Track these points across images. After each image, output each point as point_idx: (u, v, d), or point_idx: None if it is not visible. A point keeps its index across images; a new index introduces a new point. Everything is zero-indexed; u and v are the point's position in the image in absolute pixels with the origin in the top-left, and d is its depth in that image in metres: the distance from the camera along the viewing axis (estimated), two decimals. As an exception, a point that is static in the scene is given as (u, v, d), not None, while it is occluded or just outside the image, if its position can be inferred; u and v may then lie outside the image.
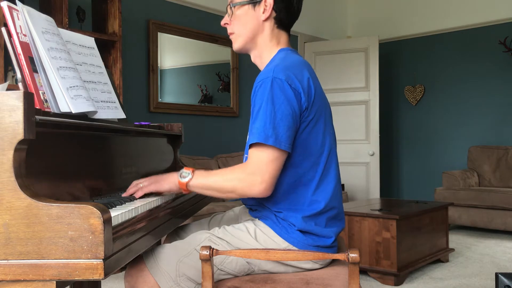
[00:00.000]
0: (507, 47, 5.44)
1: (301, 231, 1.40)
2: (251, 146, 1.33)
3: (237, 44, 1.55)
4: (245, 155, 1.51)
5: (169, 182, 1.40)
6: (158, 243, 1.64)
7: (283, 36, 1.54)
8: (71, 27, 3.42)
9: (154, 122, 2.40)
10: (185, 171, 1.38)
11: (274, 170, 1.31)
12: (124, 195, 1.40)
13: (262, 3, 1.48)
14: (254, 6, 1.49)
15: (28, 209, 0.89)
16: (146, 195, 1.43)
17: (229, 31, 1.56)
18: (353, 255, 1.19)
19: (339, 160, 1.62)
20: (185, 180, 1.37)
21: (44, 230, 0.89)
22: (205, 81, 4.88)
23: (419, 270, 3.47)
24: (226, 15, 1.56)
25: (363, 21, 6.55)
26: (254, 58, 1.57)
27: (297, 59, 1.46)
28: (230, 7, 1.53)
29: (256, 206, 1.50)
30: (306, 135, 1.39)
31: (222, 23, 1.58)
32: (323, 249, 1.42)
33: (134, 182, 1.44)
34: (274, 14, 1.50)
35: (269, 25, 1.51)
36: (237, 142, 5.08)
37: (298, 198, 1.41)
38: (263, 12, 1.49)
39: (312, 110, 1.39)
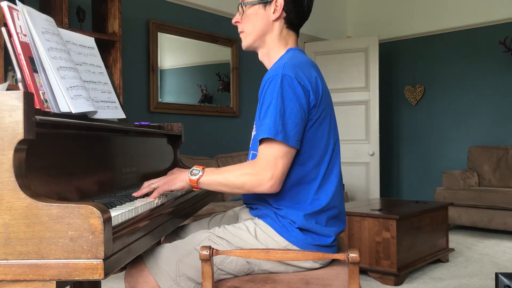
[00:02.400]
0: (507, 47, 5.43)
1: (301, 229, 1.40)
2: (261, 142, 1.34)
3: (246, 42, 1.57)
4: (251, 152, 1.53)
5: (181, 180, 1.41)
6: (158, 243, 1.64)
7: (292, 37, 1.56)
8: (71, 27, 3.42)
9: (154, 122, 2.40)
10: (196, 169, 1.40)
11: (283, 166, 1.33)
12: (135, 194, 1.40)
13: (273, 3, 1.50)
14: (265, 6, 1.51)
15: (28, 209, 0.89)
16: (146, 194, 1.43)
17: (239, 29, 1.57)
18: (353, 255, 1.19)
19: (339, 160, 1.62)
20: (195, 178, 1.38)
21: (44, 230, 0.89)
22: (205, 81, 4.88)
23: (419, 270, 3.47)
24: (238, 13, 1.57)
25: (363, 21, 6.55)
26: (262, 56, 1.59)
27: (305, 59, 1.48)
28: (242, 6, 1.54)
29: (256, 204, 1.50)
30: (313, 133, 1.41)
31: (233, 21, 1.59)
32: (323, 248, 1.42)
33: (146, 183, 1.44)
34: (284, 14, 1.51)
35: (278, 25, 1.52)
36: (237, 142, 5.08)
37: (300, 196, 1.42)
38: (274, 12, 1.50)
39: (319, 108, 1.41)
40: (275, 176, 1.31)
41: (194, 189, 1.43)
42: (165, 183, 1.42)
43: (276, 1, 1.49)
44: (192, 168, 1.41)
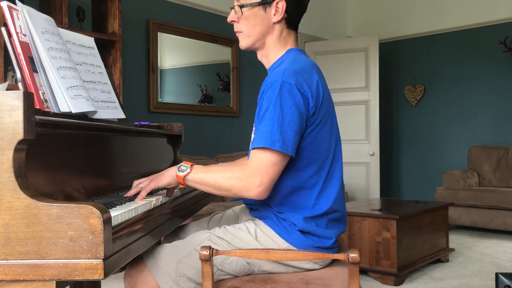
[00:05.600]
0: (507, 47, 5.43)
1: (301, 231, 1.40)
2: (254, 147, 1.32)
3: (244, 44, 1.53)
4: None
5: (167, 176, 1.39)
6: (158, 243, 1.63)
7: (292, 36, 1.53)
8: (71, 27, 3.42)
9: (154, 122, 2.40)
10: (184, 165, 1.37)
11: (274, 173, 1.30)
12: (127, 195, 1.39)
13: (274, 4, 1.46)
14: (265, 8, 1.47)
15: (28, 209, 0.89)
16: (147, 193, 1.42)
17: (236, 29, 1.53)
18: (353, 255, 1.19)
19: (340, 160, 1.61)
20: (182, 174, 1.36)
21: (44, 230, 0.89)
22: (205, 81, 4.88)
23: (419, 270, 3.46)
24: (233, 11, 1.51)
25: (363, 21, 6.55)
26: (261, 56, 1.56)
27: (306, 62, 1.45)
28: (239, 7, 1.49)
29: (257, 206, 1.50)
30: (312, 139, 1.38)
31: (229, 19, 1.54)
32: (324, 250, 1.42)
33: (135, 183, 1.43)
34: (285, 15, 1.47)
35: (279, 27, 1.49)
36: (237, 142, 5.08)
37: (301, 201, 1.41)
38: (275, 14, 1.47)
39: (319, 114, 1.38)
40: (264, 183, 1.28)
41: (180, 186, 1.40)
42: (151, 181, 1.40)
43: (277, 3, 1.45)
44: (181, 164, 1.38)
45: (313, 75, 1.40)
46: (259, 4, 1.46)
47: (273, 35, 1.49)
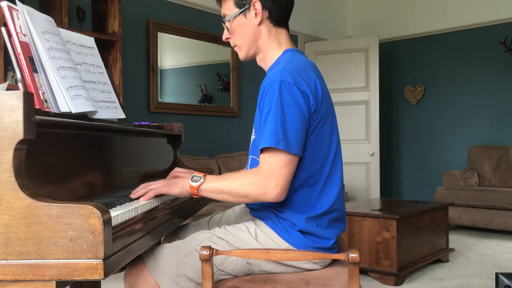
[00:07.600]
0: (507, 47, 5.43)
1: (301, 231, 1.40)
2: (263, 151, 1.32)
3: (241, 54, 1.56)
4: (251, 156, 1.51)
5: (180, 185, 1.39)
6: (158, 243, 1.63)
7: (283, 33, 1.54)
8: (71, 27, 3.42)
9: (154, 122, 2.40)
10: (197, 175, 1.37)
11: (287, 174, 1.31)
12: (132, 196, 1.37)
13: (251, 8, 1.48)
14: (245, 14, 1.49)
15: (28, 209, 0.89)
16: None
17: (232, 44, 1.58)
18: (353, 255, 1.19)
19: (340, 160, 1.61)
20: (196, 184, 1.36)
21: (44, 230, 0.89)
22: (205, 81, 4.88)
23: (419, 270, 3.46)
24: (225, 30, 1.57)
25: (363, 21, 6.55)
26: (259, 61, 1.58)
27: (303, 61, 1.46)
28: (225, 23, 1.54)
29: (257, 206, 1.50)
30: (314, 138, 1.39)
31: (224, 38, 1.58)
32: (324, 251, 1.42)
33: (143, 185, 1.41)
34: (266, 14, 1.49)
35: (265, 27, 1.50)
36: (237, 142, 5.08)
37: (302, 199, 1.41)
38: (255, 17, 1.49)
39: (320, 112, 1.39)
40: (279, 184, 1.29)
41: (194, 196, 1.41)
42: (163, 186, 1.39)
43: (253, 5, 1.47)
44: (193, 174, 1.38)
45: (310, 74, 1.41)
46: (239, 13, 1.50)
47: (263, 37, 1.51)
